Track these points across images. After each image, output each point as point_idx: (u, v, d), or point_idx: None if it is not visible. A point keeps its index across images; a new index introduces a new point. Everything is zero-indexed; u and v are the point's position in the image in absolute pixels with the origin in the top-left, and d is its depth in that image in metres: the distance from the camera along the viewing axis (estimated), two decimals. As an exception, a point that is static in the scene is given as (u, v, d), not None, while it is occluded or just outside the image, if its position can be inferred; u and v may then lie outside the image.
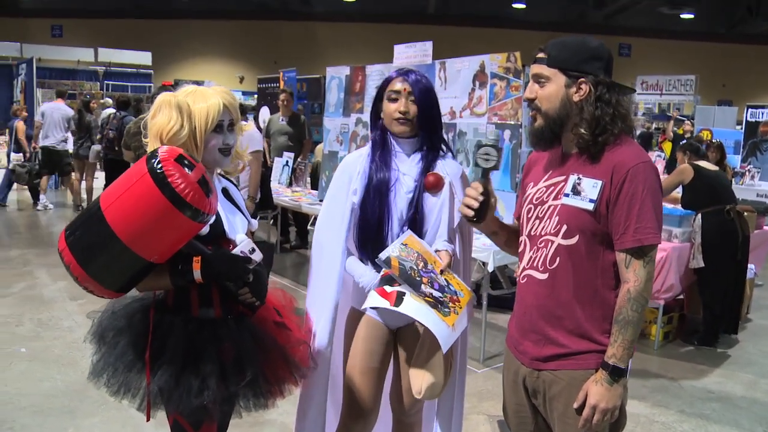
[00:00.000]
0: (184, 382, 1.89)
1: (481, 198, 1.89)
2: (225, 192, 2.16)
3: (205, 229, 1.93)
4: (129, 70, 14.80)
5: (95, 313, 2.09)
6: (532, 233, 1.92)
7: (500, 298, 5.16)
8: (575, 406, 1.81)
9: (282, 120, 7.68)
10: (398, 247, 2.17)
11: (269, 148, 7.72)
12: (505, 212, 4.54)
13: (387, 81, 2.35)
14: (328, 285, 2.35)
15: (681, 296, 5.35)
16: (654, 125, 15.36)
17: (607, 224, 1.79)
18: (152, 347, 1.93)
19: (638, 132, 14.62)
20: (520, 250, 2.00)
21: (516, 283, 2.05)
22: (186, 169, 1.77)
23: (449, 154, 2.40)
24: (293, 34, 21.73)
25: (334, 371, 2.54)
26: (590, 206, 1.78)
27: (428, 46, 5.03)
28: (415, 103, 2.27)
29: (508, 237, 2.10)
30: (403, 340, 2.39)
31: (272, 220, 8.32)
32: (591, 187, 1.79)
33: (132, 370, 1.94)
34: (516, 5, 21.25)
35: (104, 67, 14.81)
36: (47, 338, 4.66)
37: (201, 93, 2.03)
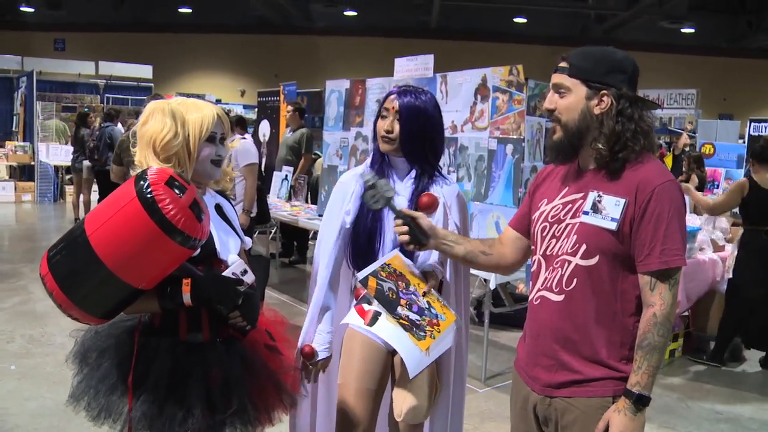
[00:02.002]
0: (168, 409, 1.80)
1: (404, 228, 1.96)
2: (218, 209, 2.07)
3: (200, 247, 1.84)
4: (130, 83, 14.76)
5: (78, 332, 2.00)
6: (548, 253, 1.83)
7: (502, 315, 5.05)
8: None
9: (289, 132, 7.66)
10: (379, 267, 2.14)
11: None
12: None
13: (382, 102, 2.32)
14: (318, 299, 2.36)
15: (686, 313, 5.25)
16: (659, 140, 15.33)
17: (630, 245, 1.70)
18: (136, 371, 1.84)
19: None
20: (533, 270, 1.90)
21: (518, 301, 1.98)
22: (177, 192, 1.68)
23: (445, 178, 2.37)
24: (294, 48, 21.75)
25: (331, 391, 2.47)
26: (613, 225, 1.69)
27: (429, 59, 4.97)
28: (399, 122, 2.23)
29: (466, 250, 2.02)
30: (400, 362, 2.30)
31: (271, 235, 8.24)
32: (613, 206, 1.70)
33: (114, 394, 1.85)
34: (517, 19, 21.27)
35: (105, 81, 14.78)
36: (38, 355, 4.56)
37: (194, 103, 1.97)
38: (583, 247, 1.73)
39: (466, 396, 4.12)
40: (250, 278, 1.92)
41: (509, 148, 4.41)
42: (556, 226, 1.82)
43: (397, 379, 2.25)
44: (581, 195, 1.77)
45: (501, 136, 4.46)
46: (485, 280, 4.28)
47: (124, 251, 1.66)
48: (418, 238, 1.96)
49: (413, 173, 2.30)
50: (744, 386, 4.59)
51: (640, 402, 1.67)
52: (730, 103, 22.03)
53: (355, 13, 20.29)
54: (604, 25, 20.95)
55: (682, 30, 20.96)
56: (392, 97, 2.27)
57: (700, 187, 8.86)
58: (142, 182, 1.68)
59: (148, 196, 1.65)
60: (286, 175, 7.45)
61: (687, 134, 13.60)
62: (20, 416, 3.63)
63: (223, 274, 1.89)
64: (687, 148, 11.57)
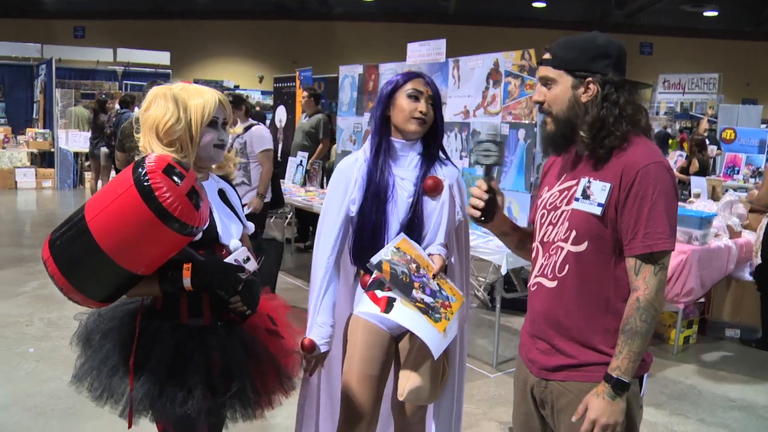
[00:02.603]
0: (168, 390, 1.82)
1: (486, 196, 1.82)
2: (221, 194, 2.08)
3: (198, 234, 1.85)
4: (147, 69, 14.83)
5: (82, 315, 2.04)
6: (545, 240, 1.83)
7: (514, 300, 5.05)
8: (574, 419, 1.70)
9: (305, 118, 7.67)
10: (390, 251, 2.12)
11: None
12: (519, 213, 4.44)
13: (401, 81, 2.29)
14: (319, 291, 2.33)
15: (702, 300, 5.21)
16: (678, 125, 15.12)
17: (617, 229, 1.69)
18: (137, 353, 1.86)
19: (656, 131, 14.43)
20: (532, 256, 1.90)
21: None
22: (175, 179, 1.69)
23: (447, 161, 2.37)
24: (312, 34, 21.72)
25: (335, 378, 2.48)
26: (598, 210, 1.69)
27: (441, 44, 4.93)
28: (434, 108, 2.27)
29: (519, 239, 2.01)
30: (405, 347, 2.31)
31: (288, 220, 8.27)
32: (600, 191, 1.69)
33: (116, 375, 1.88)
34: (536, 4, 21.04)
35: (123, 67, 14.88)
36: (56, 338, 4.63)
37: (196, 89, 1.97)
38: (573, 233, 1.73)
39: (478, 381, 4.17)
40: (252, 266, 1.92)
41: (521, 133, 4.38)
42: (552, 213, 1.82)
43: (402, 361, 2.26)
44: (575, 182, 1.77)
45: (513, 121, 4.43)
46: (498, 265, 4.27)
47: (122, 238, 1.68)
48: (491, 212, 1.84)
49: (418, 157, 2.30)
50: (762, 374, 4.53)
51: (619, 387, 1.66)
52: (754, 88, 21.66)
53: (372, -2, 20.24)
54: (625, 9, 20.65)
55: (705, 13, 20.62)
56: (423, 80, 2.28)
57: (702, 172, 8.78)
58: (140, 170, 1.68)
59: (145, 184, 1.65)
60: (301, 161, 7.46)
61: (708, 119, 13.42)
62: (38, 397, 3.71)
63: (226, 260, 1.90)
64: (707, 134, 11.43)
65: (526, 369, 1.89)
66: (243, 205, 4.68)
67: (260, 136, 4.97)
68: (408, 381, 2.17)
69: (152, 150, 1.87)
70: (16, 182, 12.28)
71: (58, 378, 3.93)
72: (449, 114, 4.76)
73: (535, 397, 1.87)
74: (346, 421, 2.28)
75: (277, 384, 2.02)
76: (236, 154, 4.76)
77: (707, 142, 11.83)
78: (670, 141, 12.99)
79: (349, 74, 6.02)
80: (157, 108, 1.89)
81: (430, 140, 2.31)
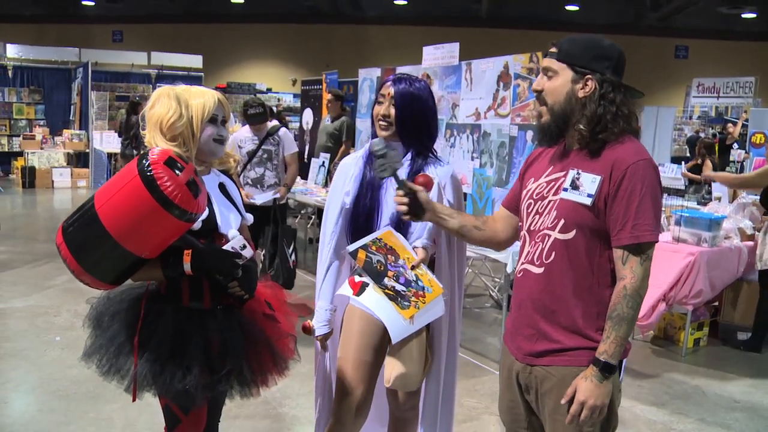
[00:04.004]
0: (169, 368, 1.98)
1: (406, 200, 2.04)
2: (222, 187, 2.24)
3: (198, 224, 2.01)
4: (180, 72, 15.15)
5: (93, 299, 2.21)
6: (532, 228, 1.93)
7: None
8: (563, 401, 1.80)
9: (327, 120, 7.84)
10: (370, 241, 2.28)
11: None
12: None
13: (381, 85, 2.46)
14: (320, 278, 2.50)
15: (715, 303, 5.22)
16: (712, 130, 14.92)
17: (605, 220, 1.80)
18: (141, 333, 2.03)
19: (688, 135, 14.24)
20: (520, 245, 2.01)
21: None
22: (176, 171, 1.85)
23: (440, 160, 2.49)
24: (345, 38, 21.90)
25: (331, 365, 2.60)
26: (588, 201, 1.79)
27: (455, 47, 5.05)
28: (395, 107, 2.36)
29: (460, 224, 2.11)
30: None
31: (311, 221, 8.44)
32: (590, 182, 1.79)
33: (122, 353, 2.04)
34: (569, 7, 20.90)
35: (157, 70, 15.26)
36: (81, 328, 4.80)
37: (197, 89, 2.15)
38: (562, 221, 1.83)
39: (483, 377, 4.26)
40: (248, 253, 2.08)
41: (530, 134, 4.46)
42: (540, 202, 1.92)
43: (389, 349, 2.39)
44: (563, 173, 1.87)
45: (522, 122, 4.52)
46: (505, 264, 4.36)
47: (127, 223, 1.85)
48: (415, 210, 2.06)
49: (409, 156, 2.43)
50: (766, 375, 4.54)
51: (607, 370, 1.76)
52: (792, 91, 21.19)
53: (405, 2, 20.30)
54: (660, 11, 20.36)
55: (743, 15, 20.23)
56: (387, 84, 2.41)
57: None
58: (144, 161, 1.86)
59: (149, 174, 1.83)
60: (323, 162, 7.62)
61: (743, 123, 13.23)
62: (62, 381, 3.94)
63: (224, 248, 2.06)
64: (738, 138, 11.29)
65: (511, 357, 1.99)
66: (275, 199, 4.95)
67: (291, 141, 5.35)
68: (394, 369, 2.30)
69: (156, 145, 2.04)
70: (53, 181, 12.71)
71: (80, 365, 4.09)
72: (461, 116, 4.87)
73: (521, 384, 1.96)
74: (341, 406, 2.41)
75: (271, 364, 2.17)
76: (268, 157, 5.03)
77: (736, 146, 11.70)
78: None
79: (367, 77, 6.17)
80: (161, 106, 2.07)
81: (413, 138, 2.42)
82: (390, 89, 2.38)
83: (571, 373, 1.81)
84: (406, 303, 2.23)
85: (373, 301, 2.24)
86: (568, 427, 1.81)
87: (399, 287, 2.24)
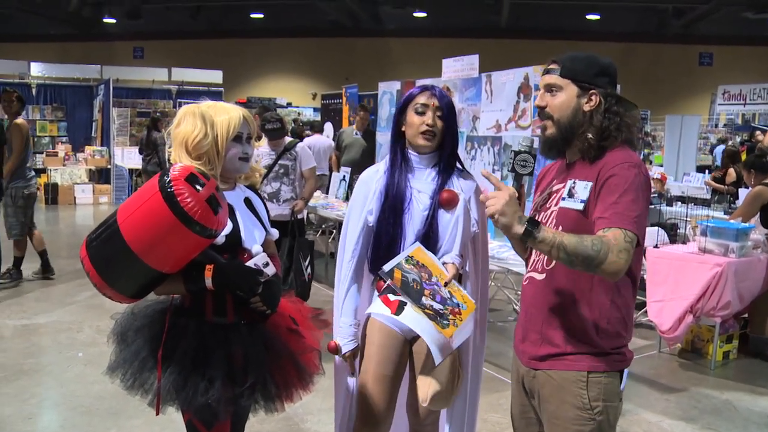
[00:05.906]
0: (192, 381, 1.97)
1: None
2: (247, 202, 2.24)
3: (221, 239, 2.01)
4: (201, 88, 15.28)
5: (118, 314, 2.21)
6: None
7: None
8: (482, 198, 1.76)
9: (356, 134, 7.86)
10: (403, 259, 2.24)
11: (338, 160, 7.94)
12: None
13: (411, 96, 2.41)
14: (342, 294, 2.47)
15: (745, 315, 5.11)
16: (738, 137, 14.72)
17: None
18: (165, 347, 2.02)
19: (721, 147, 14.00)
20: (526, 255, 2.07)
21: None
22: (196, 187, 1.85)
23: (464, 171, 2.46)
24: (365, 51, 22.00)
25: (351, 379, 2.58)
26: (581, 206, 1.84)
27: (474, 59, 5.03)
28: (441, 119, 2.34)
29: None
30: (419, 350, 2.40)
31: (332, 236, 8.43)
32: (582, 189, 1.86)
33: (146, 367, 2.04)
34: (590, 16, 20.79)
35: (177, 86, 15.42)
36: (103, 344, 4.71)
37: (222, 106, 2.14)
38: (560, 229, 1.85)
39: (507, 392, 4.19)
40: (271, 270, 2.07)
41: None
42: (543, 213, 1.98)
43: (420, 367, 2.35)
44: (563, 185, 1.93)
45: (543, 134, 4.48)
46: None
47: (148, 239, 1.85)
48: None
49: (435, 170, 2.40)
50: (801, 390, 4.43)
51: (530, 224, 1.68)
52: (820, 98, 20.81)
53: (424, 15, 20.31)
54: (683, 19, 20.14)
55: (770, 20, 19.92)
56: (429, 93, 2.37)
57: (738, 183, 8.58)
58: (165, 178, 1.86)
59: (169, 190, 1.82)
60: (344, 176, 7.62)
61: (758, 131, 13.04)
62: (84, 398, 3.94)
63: (246, 264, 2.05)
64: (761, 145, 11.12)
65: (518, 361, 2.02)
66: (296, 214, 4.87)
67: (308, 156, 5.35)
68: (430, 387, 2.26)
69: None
70: (75, 198, 12.84)
71: (103, 381, 4.07)
72: (482, 128, 4.84)
73: (526, 388, 1.99)
74: (361, 418, 2.39)
75: (296, 379, 2.16)
76: (284, 172, 5.02)
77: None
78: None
79: (387, 90, 6.16)
80: (186, 124, 2.07)
81: (450, 150, 2.40)
82: (434, 100, 2.35)
83: (569, 378, 1.85)
84: (445, 322, 2.22)
85: (414, 321, 2.21)
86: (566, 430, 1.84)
87: (437, 306, 2.23)
